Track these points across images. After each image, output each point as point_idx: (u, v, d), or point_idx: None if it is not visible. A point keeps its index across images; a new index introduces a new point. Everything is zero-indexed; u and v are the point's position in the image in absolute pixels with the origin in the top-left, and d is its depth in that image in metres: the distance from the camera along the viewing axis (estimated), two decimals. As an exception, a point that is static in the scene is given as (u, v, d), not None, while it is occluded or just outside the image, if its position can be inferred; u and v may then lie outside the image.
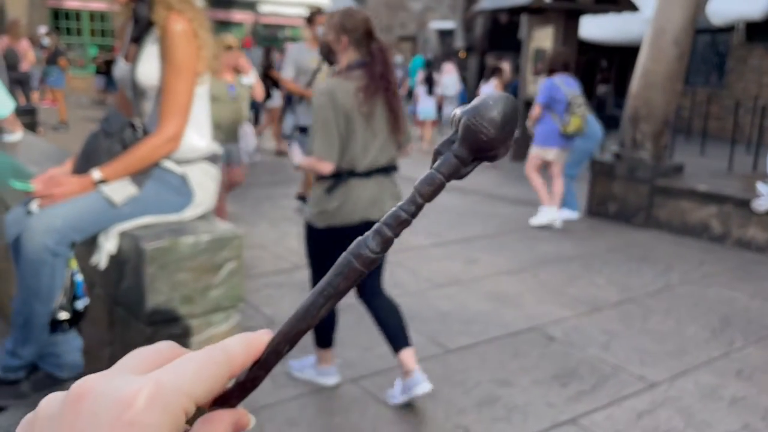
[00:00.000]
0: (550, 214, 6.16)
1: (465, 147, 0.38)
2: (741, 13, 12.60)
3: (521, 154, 8.47)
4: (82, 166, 2.06)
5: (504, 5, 10.26)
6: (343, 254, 0.38)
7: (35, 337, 2.00)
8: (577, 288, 4.53)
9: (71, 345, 2.13)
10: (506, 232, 6.03)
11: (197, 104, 2.12)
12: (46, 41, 13.18)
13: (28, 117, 6.55)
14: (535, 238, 5.83)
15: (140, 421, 0.30)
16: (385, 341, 2.88)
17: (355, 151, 2.65)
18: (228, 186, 5.02)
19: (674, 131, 7.77)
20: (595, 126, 6.35)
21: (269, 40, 20.53)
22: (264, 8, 22.72)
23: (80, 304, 2.07)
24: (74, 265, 2.05)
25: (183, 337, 2.06)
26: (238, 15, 22.06)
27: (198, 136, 2.16)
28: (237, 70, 5.17)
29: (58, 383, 2.12)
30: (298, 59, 5.64)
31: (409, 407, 2.86)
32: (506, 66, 10.86)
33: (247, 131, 5.20)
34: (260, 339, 0.37)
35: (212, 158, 2.22)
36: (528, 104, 8.97)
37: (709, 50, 14.38)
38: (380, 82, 2.63)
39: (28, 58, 10.49)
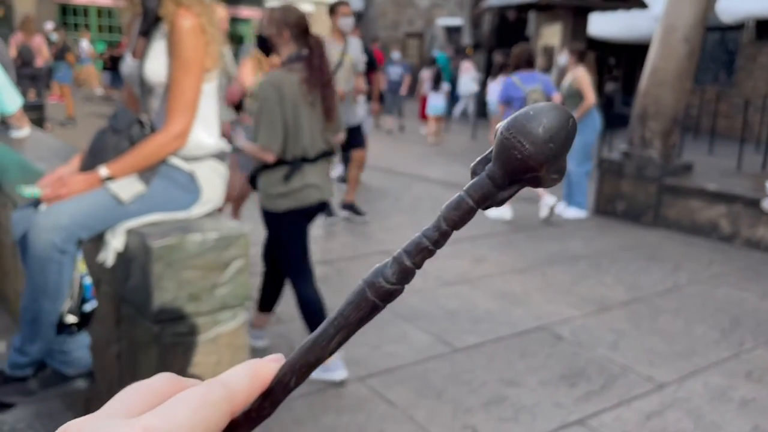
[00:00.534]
0: (550, 201, 6.29)
1: (498, 166, 0.33)
2: (751, 11, 12.51)
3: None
4: (89, 163, 2.04)
5: (512, 2, 10.22)
6: (360, 282, 0.35)
7: (43, 335, 2.00)
8: (585, 287, 4.50)
9: (79, 342, 2.13)
10: (514, 230, 6.00)
11: (205, 101, 2.11)
12: (54, 37, 13.21)
13: (35, 113, 6.56)
14: (543, 237, 5.80)
15: None
16: (303, 321, 3.07)
17: (306, 138, 2.85)
18: (241, 197, 4.86)
19: (682, 130, 7.72)
20: (591, 118, 6.39)
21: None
22: (271, 4, 22.68)
23: (88, 307, 2.06)
24: (83, 268, 2.04)
25: (189, 335, 2.05)
26: (245, 11, 22.04)
27: (206, 133, 2.14)
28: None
29: (66, 380, 2.11)
30: None
31: (416, 407, 2.84)
32: None
33: None
34: (267, 369, 0.34)
35: (220, 155, 2.21)
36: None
37: (719, 48, 14.29)
38: (319, 74, 2.85)
39: (43, 54, 10.56)
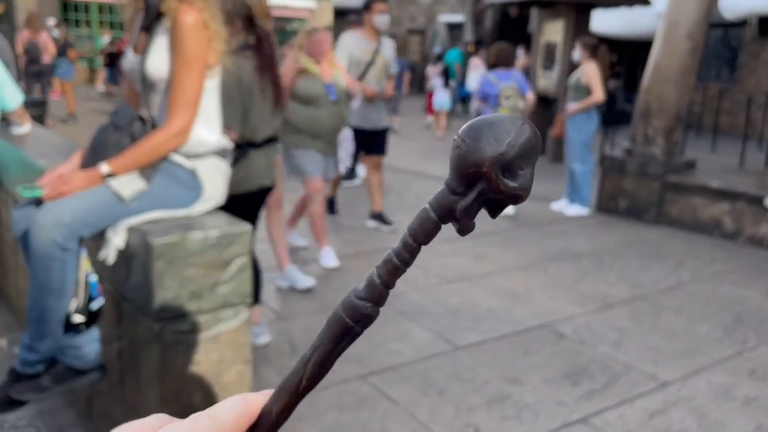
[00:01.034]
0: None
1: (450, 170, 0.33)
2: (753, 8, 12.45)
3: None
4: (90, 160, 2.03)
5: (514, -2, 10.20)
6: (338, 305, 0.35)
7: (51, 332, 1.99)
8: (588, 285, 4.49)
9: (90, 336, 2.12)
10: (516, 227, 5.99)
11: (207, 98, 2.09)
12: (56, 33, 13.18)
13: (37, 109, 6.55)
14: (545, 234, 5.79)
15: None
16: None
17: (255, 123, 2.97)
18: (301, 207, 4.70)
19: (685, 127, 7.69)
20: (590, 115, 6.39)
21: (277, 33, 20.47)
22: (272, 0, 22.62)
23: (95, 305, 2.05)
24: (88, 266, 2.03)
25: (191, 334, 2.04)
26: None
27: (207, 130, 2.13)
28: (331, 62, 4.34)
29: (78, 375, 2.10)
30: (352, 49, 5.04)
31: (418, 405, 2.83)
32: (521, 54, 10.98)
33: (347, 136, 4.41)
34: (255, 402, 0.34)
35: (222, 153, 2.19)
36: (538, 98, 8.92)
37: (721, 45, 14.24)
38: (268, 61, 2.99)
39: (49, 51, 10.58)
